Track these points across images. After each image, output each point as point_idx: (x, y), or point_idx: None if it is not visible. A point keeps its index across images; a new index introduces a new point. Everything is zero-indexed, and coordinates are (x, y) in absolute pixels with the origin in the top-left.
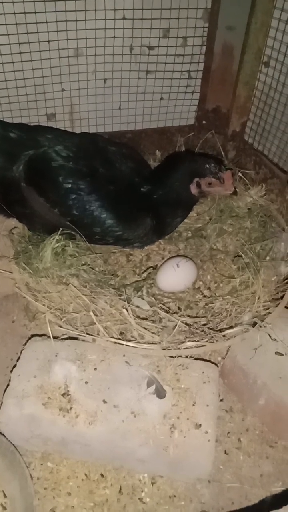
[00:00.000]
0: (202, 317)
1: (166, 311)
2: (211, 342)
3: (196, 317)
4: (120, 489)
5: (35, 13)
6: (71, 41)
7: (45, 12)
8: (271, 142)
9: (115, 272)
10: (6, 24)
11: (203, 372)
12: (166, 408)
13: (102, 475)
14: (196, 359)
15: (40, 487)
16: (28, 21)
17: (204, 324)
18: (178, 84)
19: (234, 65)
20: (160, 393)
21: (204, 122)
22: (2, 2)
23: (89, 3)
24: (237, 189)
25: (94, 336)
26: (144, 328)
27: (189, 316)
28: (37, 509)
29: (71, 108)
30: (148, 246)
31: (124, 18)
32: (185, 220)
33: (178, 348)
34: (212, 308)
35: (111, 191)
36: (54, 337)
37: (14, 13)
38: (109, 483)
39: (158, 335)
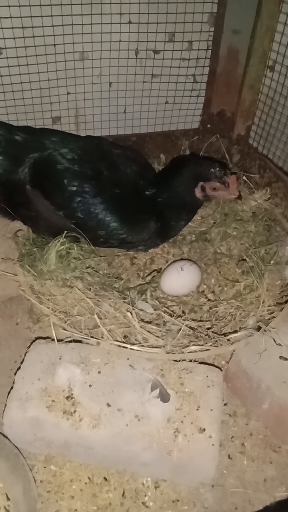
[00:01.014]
0: (206, 321)
1: (170, 315)
2: (215, 346)
3: (200, 321)
4: (123, 492)
5: (41, 16)
6: (76, 45)
7: (51, 16)
8: (276, 146)
9: (119, 275)
10: (12, 28)
11: (207, 376)
12: (170, 412)
13: (105, 478)
14: (200, 363)
15: (43, 490)
16: (34, 25)
17: (208, 328)
18: (183, 88)
19: (239, 69)
20: (164, 397)
21: (208, 125)
22: (9, 6)
23: (95, 7)
24: (241, 193)
25: (98, 339)
26: (148, 331)
27: (193, 319)
28: None
29: (76, 111)
30: (152, 249)
31: (129, 22)
32: (189, 223)
33: (182, 352)
34: (216, 312)
35: (115, 194)
36: (58, 340)
37: (21, 17)
38: (112, 486)
39: (162, 339)
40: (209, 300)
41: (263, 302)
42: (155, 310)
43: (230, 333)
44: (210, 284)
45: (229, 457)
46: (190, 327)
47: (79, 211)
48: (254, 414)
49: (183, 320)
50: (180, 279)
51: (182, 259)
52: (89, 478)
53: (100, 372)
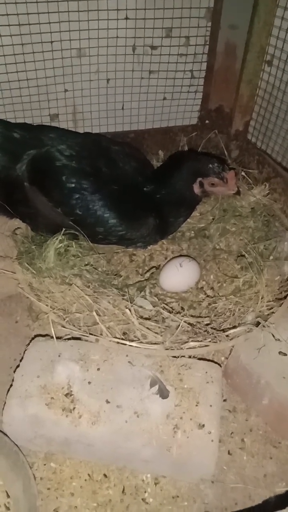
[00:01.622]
0: (205, 317)
1: (169, 311)
2: (214, 342)
3: (199, 317)
4: (123, 489)
5: (38, 13)
6: (73, 42)
7: (48, 13)
8: (275, 141)
9: (118, 272)
10: (9, 25)
11: (206, 372)
12: (169, 408)
13: (105, 475)
14: (199, 359)
15: (43, 488)
16: (31, 22)
17: (207, 324)
18: (181, 84)
19: (237, 64)
20: (163, 393)
21: (207, 121)
22: (5, 3)
23: (92, 4)
24: (240, 189)
25: (97, 336)
26: (147, 328)
27: (192, 316)
28: (41, 510)
29: (74, 108)
30: (151, 246)
31: (126, 18)
32: (188, 219)
33: (181, 348)
34: (215, 308)
35: (114, 191)
36: (57, 337)
37: (17, 14)
38: (112, 483)
39: (161, 335)
40: (208, 296)
41: (262, 298)
42: (154, 306)
43: (229, 329)
44: (209, 280)
45: (229, 453)
46: (189, 323)
47: (78, 208)
48: (254, 410)
49: (182, 316)
50: (179, 276)
51: (181, 255)
52: (89, 475)
53: (99, 369)
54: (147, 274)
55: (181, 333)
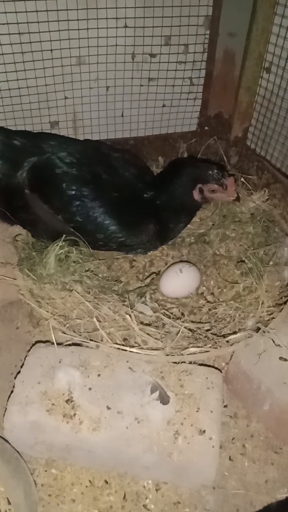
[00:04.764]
0: (205, 323)
1: (169, 317)
2: (215, 348)
3: (200, 322)
4: (125, 495)
5: (38, 22)
6: (73, 50)
7: (48, 21)
8: (274, 147)
9: (119, 278)
10: (9, 34)
11: (206, 378)
12: (170, 414)
13: (106, 481)
14: (200, 364)
15: (45, 494)
16: (31, 31)
17: (207, 330)
18: (180, 91)
19: (235, 71)
20: (164, 399)
21: (206, 128)
22: (5, 13)
23: (91, 12)
24: (239, 195)
25: (98, 342)
26: (148, 334)
27: (192, 321)
28: None
29: (74, 116)
30: (151, 251)
31: (125, 27)
32: (188, 225)
33: (182, 354)
34: (216, 313)
35: (114, 198)
36: (57, 344)
37: (17, 23)
38: (113, 489)
39: (162, 341)
40: (208, 301)
41: (262, 303)
42: (154, 312)
43: (230, 334)
44: (209, 286)
45: (230, 459)
46: (189, 329)
47: (78, 215)
48: (255, 415)
49: (182, 322)
50: (179, 281)
51: (181, 261)
52: (90, 481)
53: (100, 375)
54: (147, 280)
55: (181, 339)
